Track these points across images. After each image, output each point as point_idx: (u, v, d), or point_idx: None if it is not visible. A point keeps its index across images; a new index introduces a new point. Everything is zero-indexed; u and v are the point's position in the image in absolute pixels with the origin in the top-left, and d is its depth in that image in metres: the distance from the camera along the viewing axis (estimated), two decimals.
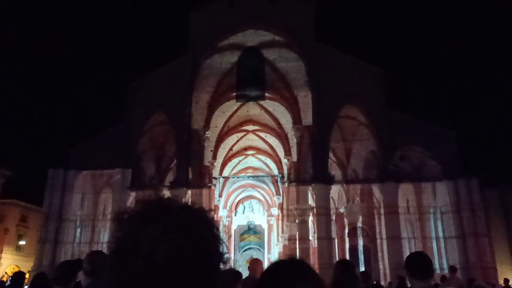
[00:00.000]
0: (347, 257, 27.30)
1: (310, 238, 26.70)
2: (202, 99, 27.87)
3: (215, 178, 30.54)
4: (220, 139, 29.95)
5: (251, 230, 44.30)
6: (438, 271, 20.89)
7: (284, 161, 30.26)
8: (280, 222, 33.45)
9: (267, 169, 34.05)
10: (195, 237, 1.03)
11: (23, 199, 41.71)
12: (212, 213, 27.89)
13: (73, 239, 28.18)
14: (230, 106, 28.96)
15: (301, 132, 27.20)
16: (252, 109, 29.42)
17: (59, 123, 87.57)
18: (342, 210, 30.58)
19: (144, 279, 0.97)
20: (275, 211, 36.38)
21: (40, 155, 76.24)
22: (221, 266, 1.08)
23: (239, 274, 5.45)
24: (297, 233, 26.23)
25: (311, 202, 26.18)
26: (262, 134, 31.52)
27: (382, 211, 26.68)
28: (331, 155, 28.05)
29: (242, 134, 31.60)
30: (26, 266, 31.43)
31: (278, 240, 34.27)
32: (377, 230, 28.67)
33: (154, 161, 29.91)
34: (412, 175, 27.34)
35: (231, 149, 32.34)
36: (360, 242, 29.98)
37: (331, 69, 26.72)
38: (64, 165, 28.24)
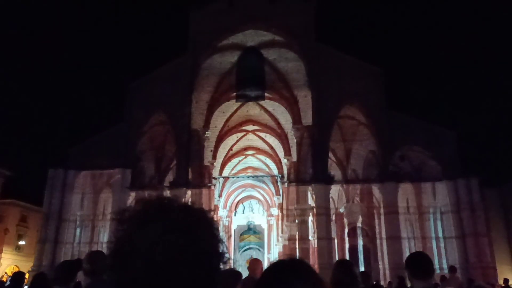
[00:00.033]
0: (347, 257, 27.31)
1: (310, 238, 26.70)
2: (202, 99, 27.87)
3: (215, 178, 30.55)
4: (220, 139, 29.95)
5: (251, 230, 44.31)
6: (438, 271, 20.88)
7: (284, 161, 30.27)
8: (280, 222, 33.46)
9: (267, 169, 34.07)
10: (195, 237, 1.03)
11: (23, 199, 41.70)
12: (212, 213, 27.91)
13: (73, 239, 28.18)
14: (230, 106, 28.97)
15: (301, 132, 27.21)
16: (252, 109, 29.42)
17: (59, 123, 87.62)
18: (342, 210, 30.58)
19: (144, 279, 0.97)
20: (275, 211, 36.39)
21: (40, 155, 76.27)
22: (221, 266, 1.08)
23: (239, 274, 5.45)
24: (297, 233, 26.23)
25: (311, 202, 26.18)
26: (262, 134, 31.53)
27: (382, 211, 26.68)
28: (331, 155, 28.05)
29: (242, 134, 31.61)
30: (26, 266, 31.41)
31: (278, 240, 34.28)
32: (377, 230, 28.69)
33: (154, 161, 29.91)
34: (412, 175, 27.34)
35: (231, 149, 32.36)
36: (360, 242, 29.98)
37: (331, 69, 26.72)
38: (64, 165, 28.24)
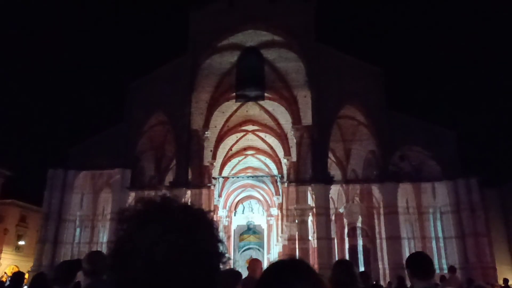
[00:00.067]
0: (347, 257, 27.32)
1: (310, 238, 26.70)
2: (202, 99, 27.88)
3: (215, 178, 30.56)
4: (220, 139, 29.96)
5: (250, 230, 44.31)
6: (437, 271, 20.88)
7: (284, 161, 30.27)
8: (279, 222, 33.46)
9: (267, 169, 34.08)
10: (195, 238, 1.03)
11: (23, 199, 41.69)
12: (212, 213, 27.77)
13: (73, 239, 28.17)
14: (230, 106, 28.97)
15: (300, 132, 27.22)
16: (252, 109, 29.42)
17: (59, 123, 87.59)
18: (341, 210, 30.59)
19: (144, 279, 0.97)
20: (275, 211, 36.40)
21: (40, 155, 76.21)
22: (221, 266, 1.08)
23: (239, 274, 5.45)
24: (297, 233, 26.24)
25: (310, 202, 26.19)
26: (262, 134, 31.53)
27: (381, 211, 26.69)
28: (330, 155, 28.06)
29: (242, 134, 31.62)
30: (26, 266, 31.42)
31: (277, 240, 34.29)
32: (377, 230, 28.70)
33: (153, 161, 29.92)
34: (412, 175, 27.35)
35: (230, 149, 32.36)
36: (360, 242, 29.99)
37: (331, 69, 26.72)
38: (63, 165, 28.23)
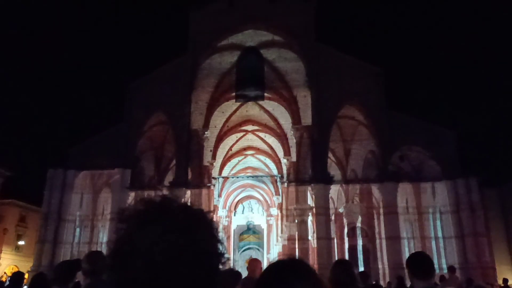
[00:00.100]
0: (346, 257, 27.32)
1: (309, 238, 26.70)
2: (202, 99, 27.87)
3: (215, 178, 30.56)
4: (220, 139, 29.95)
5: (250, 230, 44.31)
6: (437, 271, 20.87)
7: (284, 161, 30.27)
8: (279, 222, 33.46)
9: (267, 169, 34.08)
10: (195, 238, 1.03)
11: (23, 199, 41.69)
12: (211, 213, 27.89)
13: (72, 239, 28.17)
14: (230, 106, 28.97)
15: (300, 132, 27.22)
16: (252, 109, 29.42)
17: (58, 123, 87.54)
18: (341, 210, 30.59)
19: (144, 279, 0.97)
20: (275, 211, 36.40)
21: (40, 155, 76.17)
22: (220, 266, 1.08)
23: (238, 274, 5.45)
24: (296, 233, 26.23)
25: (310, 202, 26.19)
26: (262, 134, 31.53)
27: (381, 211, 26.68)
28: (330, 155, 28.06)
29: (242, 134, 31.61)
30: (25, 266, 31.41)
31: (277, 240, 34.28)
32: (376, 230, 28.70)
33: (153, 161, 29.92)
34: (412, 175, 27.36)
35: (230, 149, 32.35)
36: (359, 242, 29.98)
37: (331, 69, 26.72)
38: (63, 165, 28.22)
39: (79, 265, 4.19)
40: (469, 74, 79.41)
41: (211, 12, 28.14)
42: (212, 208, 29.18)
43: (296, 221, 26.47)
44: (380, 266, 27.40)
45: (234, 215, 42.52)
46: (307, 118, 26.88)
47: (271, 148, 32.12)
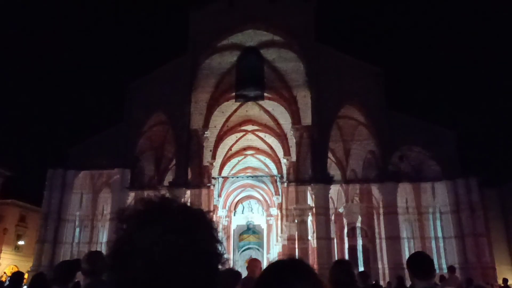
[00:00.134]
0: (346, 257, 27.31)
1: (309, 238, 26.71)
2: (202, 99, 27.87)
3: (214, 178, 30.55)
4: (219, 139, 29.95)
5: (250, 230, 44.30)
6: (437, 271, 20.87)
7: (283, 161, 30.27)
8: (279, 222, 33.46)
9: (266, 169, 34.07)
10: (195, 238, 1.03)
11: (22, 199, 41.69)
12: (211, 213, 27.83)
13: (72, 239, 28.17)
14: (229, 106, 28.96)
15: (300, 132, 27.21)
16: (251, 109, 29.41)
17: (58, 123, 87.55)
18: (341, 210, 30.59)
19: (144, 279, 0.97)
20: (274, 211, 36.41)
21: (39, 155, 76.18)
22: (220, 266, 1.08)
23: (238, 274, 5.45)
24: (296, 233, 26.23)
25: (310, 202, 26.19)
26: (261, 134, 31.53)
27: (381, 211, 26.69)
28: (330, 155, 28.06)
29: (241, 134, 31.61)
30: (25, 266, 31.40)
31: (277, 240, 34.29)
32: (376, 230, 28.70)
33: (153, 161, 29.91)
34: (412, 175, 27.36)
35: (230, 149, 32.35)
36: (359, 242, 29.98)
37: (331, 69, 26.72)
38: (63, 165, 28.22)
39: (78, 265, 4.19)
40: (469, 74, 79.46)
41: (211, 12, 28.14)
42: (212, 208, 29.19)
43: (296, 221, 26.47)
44: (380, 266, 27.41)
45: (234, 215, 42.52)
46: (307, 118, 26.88)
47: (271, 148, 32.12)
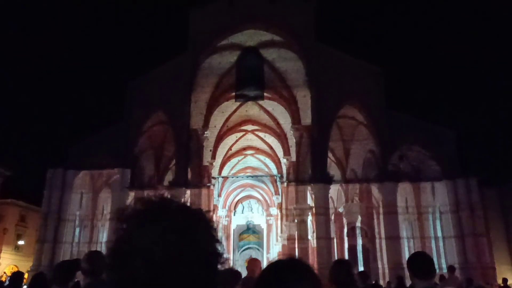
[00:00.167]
0: (346, 257, 27.31)
1: (309, 237, 26.71)
2: (201, 99, 27.86)
3: (214, 178, 30.56)
4: (219, 139, 29.95)
5: (250, 229, 44.32)
6: (437, 271, 20.86)
7: (283, 161, 30.27)
8: (279, 222, 33.46)
9: (266, 169, 34.08)
10: (194, 238, 1.03)
11: (22, 199, 41.70)
12: (211, 213, 27.89)
13: (72, 239, 28.15)
14: (229, 105, 28.96)
15: (300, 132, 27.21)
16: (251, 109, 29.41)
17: (58, 123, 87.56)
18: (341, 209, 30.58)
19: (144, 279, 0.97)
20: (274, 210, 36.41)
21: (39, 154, 76.16)
22: (219, 266, 1.08)
23: (238, 274, 5.45)
24: (296, 232, 26.23)
25: (310, 201, 26.18)
26: (261, 134, 31.53)
27: (381, 210, 26.69)
28: (330, 155, 28.05)
29: (241, 134, 31.61)
30: (25, 266, 31.41)
31: (277, 240, 34.30)
32: (376, 230, 28.69)
33: (153, 161, 29.90)
34: (411, 175, 27.34)
35: (230, 148, 32.35)
36: (359, 242, 29.96)
37: (331, 69, 26.70)
38: (63, 164, 28.20)
39: (78, 264, 4.19)
40: (469, 74, 79.47)
41: (211, 12, 28.12)
42: (211, 208, 29.19)
43: (295, 220, 26.47)
44: (379, 265, 27.39)
45: (234, 214, 42.53)
46: (306, 118, 26.87)
47: (271, 148, 32.12)
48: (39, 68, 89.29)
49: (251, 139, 32.21)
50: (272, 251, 37.55)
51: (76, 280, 4.77)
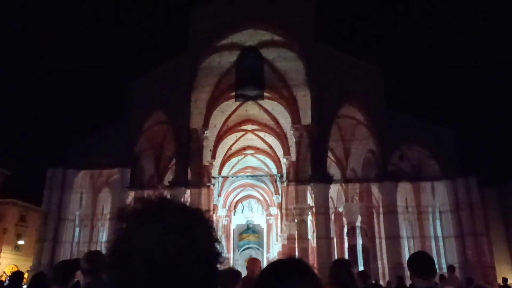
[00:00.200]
0: (346, 256, 27.32)
1: (309, 237, 26.70)
2: (201, 99, 27.85)
3: (214, 178, 30.56)
4: (219, 139, 29.95)
5: (250, 229, 44.34)
6: (437, 271, 20.85)
7: (283, 160, 30.27)
8: (279, 222, 33.47)
9: (266, 169, 34.08)
10: (194, 237, 1.03)
11: (22, 199, 41.71)
12: (211, 212, 27.90)
13: (72, 238, 28.15)
14: (229, 105, 28.95)
15: (300, 132, 27.20)
16: (251, 109, 29.41)
17: (58, 122, 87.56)
18: (341, 209, 30.59)
19: (144, 279, 0.97)
20: (274, 210, 36.42)
21: (39, 154, 76.10)
22: (218, 266, 1.08)
23: (238, 273, 5.45)
24: (296, 232, 26.23)
25: (310, 201, 26.18)
26: (261, 134, 31.53)
27: (381, 210, 26.68)
28: (330, 154, 28.05)
29: (241, 133, 31.61)
30: (25, 265, 31.41)
31: (277, 240, 34.31)
32: (376, 230, 28.69)
33: (153, 161, 29.90)
34: (411, 175, 27.35)
35: (230, 148, 32.36)
36: (359, 242, 29.98)
37: (331, 68, 26.69)
38: (63, 164, 28.19)
39: (78, 264, 4.19)
40: (469, 74, 79.45)
41: (211, 12, 28.11)
42: (211, 208, 29.19)
43: (295, 220, 26.47)
44: (379, 265, 27.39)
45: (234, 214, 42.53)
46: (306, 118, 26.87)
47: (271, 147, 32.12)
48: (39, 68, 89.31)
49: (251, 139, 32.22)
50: (272, 250, 37.56)
51: (76, 279, 4.78)
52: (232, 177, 34.26)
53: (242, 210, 44.06)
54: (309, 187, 25.99)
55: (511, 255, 32.47)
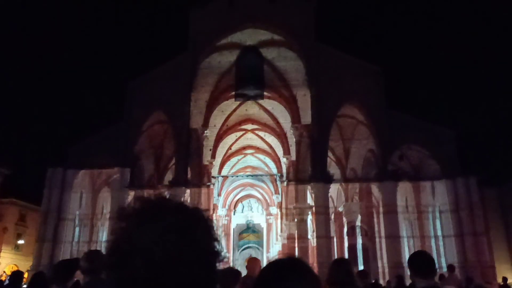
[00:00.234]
0: (346, 256, 27.32)
1: (309, 237, 26.72)
2: (201, 98, 27.84)
3: (214, 177, 30.57)
4: (219, 138, 29.96)
5: (250, 229, 44.36)
6: (437, 270, 20.85)
7: (283, 160, 30.28)
8: (279, 221, 33.48)
9: (266, 168, 34.09)
10: (194, 237, 1.03)
11: (22, 198, 41.72)
12: (211, 212, 27.93)
13: (72, 238, 28.13)
14: (229, 105, 28.95)
15: (300, 131, 27.21)
16: (251, 108, 29.41)
17: (58, 122, 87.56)
18: (341, 209, 30.61)
19: (143, 279, 0.97)
20: (274, 210, 36.44)
21: (39, 154, 76.08)
22: (218, 265, 1.08)
23: (238, 273, 5.45)
24: (296, 232, 26.24)
25: (310, 201, 26.19)
26: (261, 133, 31.54)
27: (381, 210, 26.68)
28: (330, 154, 28.05)
29: (241, 133, 31.62)
30: (25, 265, 31.46)
31: (277, 239, 34.33)
32: (376, 229, 28.72)
33: (153, 160, 29.90)
34: (411, 174, 27.36)
35: (230, 148, 32.36)
36: (359, 241, 30.00)
37: (331, 68, 26.68)
38: (63, 164, 28.17)
39: (78, 264, 4.19)
40: (469, 74, 79.44)
41: (211, 11, 28.09)
42: (211, 207, 29.20)
43: (295, 220, 26.48)
44: (379, 265, 27.40)
45: (234, 214, 42.55)
46: (306, 117, 26.87)
47: (271, 147, 32.13)
48: (39, 68, 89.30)
49: (251, 138, 32.22)
50: (272, 250, 37.58)
51: (75, 279, 4.78)
52: (232, 176, 34.27)
53: (242, 210, 44.08)
54: (309, 187, 25.99)
55: (511, 255, 32.50)
